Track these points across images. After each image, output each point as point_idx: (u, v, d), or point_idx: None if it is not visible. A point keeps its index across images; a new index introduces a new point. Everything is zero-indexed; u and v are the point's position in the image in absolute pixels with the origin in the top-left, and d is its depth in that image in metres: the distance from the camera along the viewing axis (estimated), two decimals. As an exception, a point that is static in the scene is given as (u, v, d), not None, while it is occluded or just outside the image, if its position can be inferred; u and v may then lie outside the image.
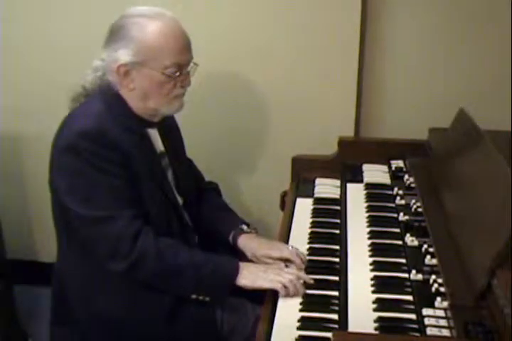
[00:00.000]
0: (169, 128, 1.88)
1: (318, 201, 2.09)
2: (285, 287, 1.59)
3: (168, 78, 1.69)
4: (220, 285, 1.66)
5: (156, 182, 1.75)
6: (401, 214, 1.91)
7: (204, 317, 1.74)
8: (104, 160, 1.62)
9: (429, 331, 1.39)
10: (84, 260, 1.73)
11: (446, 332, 1.38)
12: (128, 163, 1.66)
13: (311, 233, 1.88)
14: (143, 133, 1.76)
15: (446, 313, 1.44)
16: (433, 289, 1.53)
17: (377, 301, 1.52)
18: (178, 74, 1.69)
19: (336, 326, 1.46)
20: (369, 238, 1.82)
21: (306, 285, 1.62)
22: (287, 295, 1.59)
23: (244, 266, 1.68)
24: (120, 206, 1.64)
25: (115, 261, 1.63)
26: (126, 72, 1.68)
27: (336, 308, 1.53)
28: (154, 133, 1.81)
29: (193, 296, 1.68)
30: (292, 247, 1.77)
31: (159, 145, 1.82)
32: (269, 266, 1.70)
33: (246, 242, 1.84)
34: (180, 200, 1.87)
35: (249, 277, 1.65)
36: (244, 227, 1.90)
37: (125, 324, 1.73)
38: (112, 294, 1.73)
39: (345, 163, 2.29)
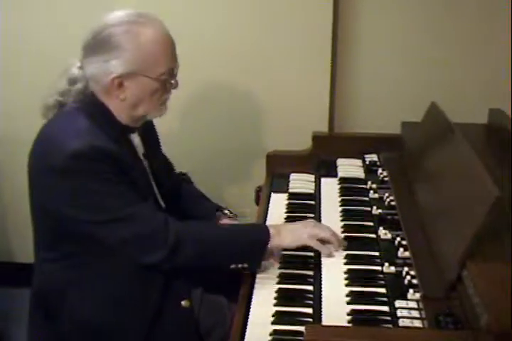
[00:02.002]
0: (146, 127, 1.85)
1: (292, 196, 2.10)
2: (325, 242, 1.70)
3: (162, 84, 1.67)
4: (256, 251, 1.67)
5: (146, 189, 1.74)
6: (374, 207, 1.93)
7: (185, 320, 1.74)
8: (104, 173, 1.59)
9: (402, 322, 1.40)
10: (66, 267, 1.70)
11: (418, 323, 1.39)
12: (124, 171, 1.64)
13: (286, 228, 1.89)
14: (127, 140, 1.74)
15: (418, 305, 1.46)
16: (405, 281, 1.54)
17: (350, 294, 1.53)
18: (172, 80, 1.69)
19: (310, 320, 1.47)
20: (343, 232, 1.82)
21: (283, 279, 1.63)
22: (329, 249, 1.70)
23: (281, 228, 1.72)
24: (137, 201, 1.63)
25: (153, 253, 1.62)
26: (120, 83, 1.64)
27: (310, 302, 1.54)
28: (135, 138, 1.78)
29: (232, 266, 1.68)
30: None
31: (141, 148, 1.80)
32: (306, 223, 1.76)
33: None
34: (163, 205, 1.86)
35: (291, 236, 1.69)
36: (227, 211, 1.97)
37: (107, 329, 1.71)
38: (94, 300, 1.70)
39: (320, 158, 2.30)
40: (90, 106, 1.68)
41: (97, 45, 1.64)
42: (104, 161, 1.59)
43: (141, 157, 1.79)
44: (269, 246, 1.68)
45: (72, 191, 1.60)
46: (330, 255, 1.70)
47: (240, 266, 1.67)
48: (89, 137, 1.60)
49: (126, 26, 1.62)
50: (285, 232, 1.70)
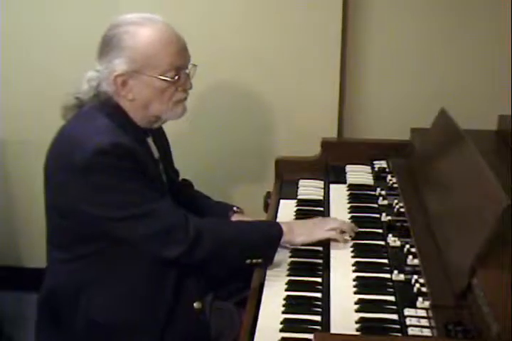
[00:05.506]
0: (158, 133, 1.89)
1: (301, 202, 2.10)
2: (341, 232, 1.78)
3: (168, 83, 1.67)
4: (270, 247, 1.71)
5: (161, 189, 1.76)
6: (383, 214, 1.92)
7: (197, 322, 1.75)
8: (125, 170, 1.61)
9: (411, 331, 1.39)
10: (80, 268, 1.71)
11: (427, 332, 1.38)
12: (143, 170, 1.66)
13: (294, 234, 1.88)
14: (145, 142, 1.76)
15: (427, 313, 1.45)
16: (415, 289, 1.53)
17: (359, 302, 1.52)
18: (177, 77, 1.68)
19: (319, 327, 1.46)
20: (351, 239, 1.82)
21: (291, 286, 1.63)
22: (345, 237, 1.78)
23: (293, 225, 1.78)
24: (157, 198, 1.65)
25: (174, 248, 1.64)
26: (123, 82, 1.66)
27: (319, 310, 1.53)
28: (150, 141, 1.81)
29: (247, 261, 1.70)
30: None
31: (155, 152, 1.83)
32: (314, 219, 1.85)
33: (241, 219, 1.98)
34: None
35: (304, 233, 1.76)
36: (235, 208, 2.03)
37: (120, 329, 1.71)
38: (107, 300, 1.71)
39: (329, 164, 2.30)
40: (108, 107, 1.70)
41: (103, 46, 1.69)
42: (125, 158, 1.61)
43: (157, 160, 1.82)
44: (281, 242, 1.72)
45: (93, 188, 1.60)
46: (347, 242, 1.77)
47: (254, 261, 1.70)
48: (110, 134, 1.62)
49: (127, 27, 1.66)
50: (298, 229, 1.75)
